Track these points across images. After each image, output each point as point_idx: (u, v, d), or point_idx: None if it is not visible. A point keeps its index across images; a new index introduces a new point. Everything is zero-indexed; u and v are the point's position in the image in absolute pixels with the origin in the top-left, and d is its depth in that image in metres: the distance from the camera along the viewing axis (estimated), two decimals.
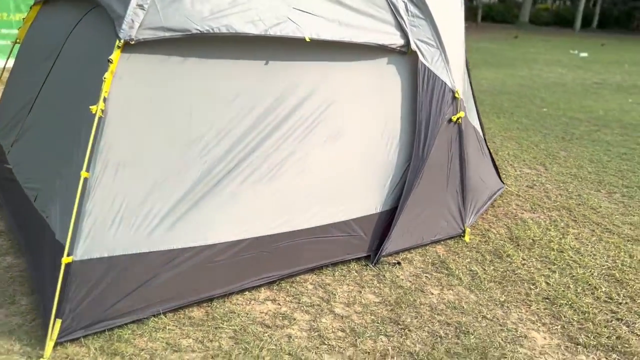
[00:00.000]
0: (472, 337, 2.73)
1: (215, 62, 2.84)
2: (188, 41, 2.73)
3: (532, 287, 3.24)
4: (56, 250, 2.68)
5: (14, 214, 3.45)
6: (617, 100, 10.11)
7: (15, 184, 3.54)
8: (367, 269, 3.31)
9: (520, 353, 2.63)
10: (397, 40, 3.32)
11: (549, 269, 3.48)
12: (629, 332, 2.86)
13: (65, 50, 3.56)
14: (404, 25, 3.34)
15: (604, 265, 3.57)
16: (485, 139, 4.41)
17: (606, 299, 3.17)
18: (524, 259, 3.57)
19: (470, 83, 4.13)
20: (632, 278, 3.43)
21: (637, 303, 3.14)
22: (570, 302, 3.09)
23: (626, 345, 2.74)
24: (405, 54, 3.38)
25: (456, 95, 3.54)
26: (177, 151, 2.74)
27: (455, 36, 3.60)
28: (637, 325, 2.92)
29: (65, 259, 2.46)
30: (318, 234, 3.19)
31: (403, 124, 3.44)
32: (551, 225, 4.15)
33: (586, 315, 2.98)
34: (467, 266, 3.43)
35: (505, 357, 2.59)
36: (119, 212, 2.60)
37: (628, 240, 3.99)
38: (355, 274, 3.26)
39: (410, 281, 3.22)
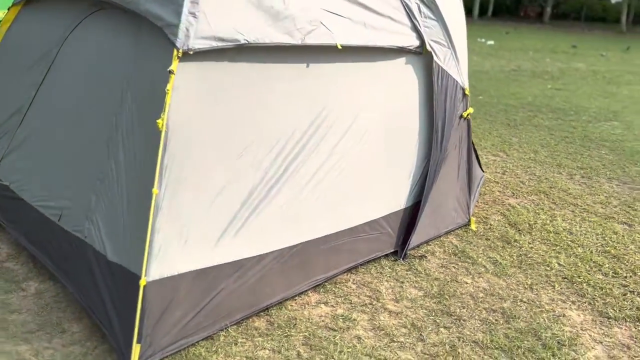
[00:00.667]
0: (520, 320, 2.93)
1: (259, 70, 2.80)
2: (234, 50, 2.68)
3: (547, 268, 3.51)
4: (113, 272, 2.55)
5: (27, 236, 3.20)
6: (537, 86, 10.90)
7: (19, 202, 3.28)
8: (397, 265, 3.42)
9: (566, 331, 2.87)
10: (413, 42, 3.43)
11: (554, 250, 3.77)
12: None
13: (66, 55, 3.33)
14: (419, 27, 3.46)
15: (597, 243, 3.92)
16: None
17: (613, 274, 3.50)
18: (529, 243, 3.84)
19: None
20: (625, 253, 3.80)
21: (639, 275, 3.50)
22: (586, 280, 3.39)
23: None
24: (420, 54, 3.50)
25: (466, 92, 3.72)
26: (233, 160, 2.68)
27: (460, 35, 3.76)
28: None
29: (142, 281, 2.35)
30: (354, 233, 3.25)
31: (420, 122, 3.57)
32: (538, 209, 4.48)
33: (604, 290, 3.29)
34: (485, 253, 3.64)
35: (556, 336, 2.81)
36: (184, 227, 2.52)
37: (605, 219, 4.39)
38: (389, 270, 3.36)
39: (442, 272, 3.37)
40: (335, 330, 2.74)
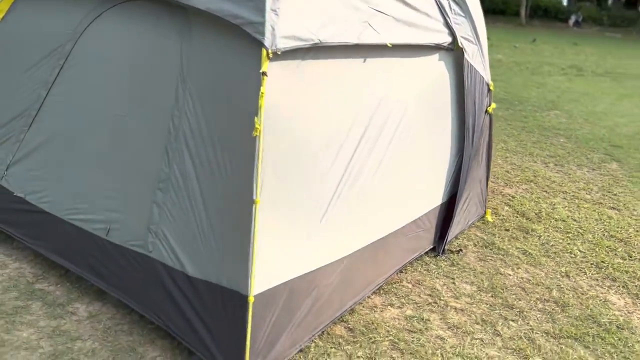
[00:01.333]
0: (573, 308, 3.07)
1: (325, 67, 2.69)
2: (304, 50, 2.56)
3: (572, 255, 3.70)
4: (198, 288, 2.37)
5: (59, 252, 2.89)
6: None
7: (41, 216, 2.96)
8: (439, 261, 3.45)
9: (617, 315, 3.04)
10: (447, 38, 3.45)
11: (569, 237, 3.97)
12: None
13: (86, 51, 3.02)
14: (450, 23, 3.48)
15: (601, 229, 4.18)
16: None
17: (629, 257, 3.75)
18: (544, 231, 4.02)
19: None
20: (628, 236, 4.08)
21: None
22: (610, 265, 3.60)
23: None
24: (452, 51, 3.53)
25: (491, 87, 3.80)
26: (318, 160, 2.58)
27: (483, 31, 3.83)
28: None
29: (250, 298, 2.20)
30: (405, 232, 3.23)
31: (452, 117, 3.61)
32: (535, 198, 4.69)
33: (629, 273, 3.51)
34: (512, 244, 3.76)
35: (612, 321, 2.97)
36: (282, 233, 2.38)
37: (595, 204, 4.69)
38: (435, 266, 3.38)
39: (482, 266, 3.44)
40: (414, 332, 2.72)
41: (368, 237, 2.90)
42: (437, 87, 3.48)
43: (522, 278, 3.34)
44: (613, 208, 4.65)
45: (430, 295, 3.06)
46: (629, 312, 3.08)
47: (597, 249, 3.81)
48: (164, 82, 2.67)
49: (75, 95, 3.03)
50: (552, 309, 3.03)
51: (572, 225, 4.19)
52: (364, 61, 2.93)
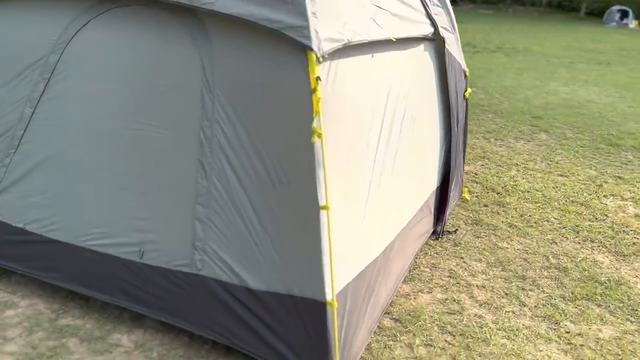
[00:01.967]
0: (573, 271, 3.36)
1: (352, 65, 2.72)
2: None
3: (550, 223, 4.03)
4: (264, 300, 2.33)
5: (83, 283, 2.67)
6: None
7: (50, 246, 2.72)
8: (442, 242, 3.62)
9: (610, 273, 3.38)
10: (430, 29, 3.58)
11: (538, 206, 4.31)
12: None
13: (77, 62, 2.76)
14: (432, 15, 3.61)
15: (560, 195, 4.58)
16: None
17: (595, 219, 4.15)
18: (517, 203, 4.33)
19: None
20: (585, 200, 4.51)
21: (619, 217, 4.21)
22: (583, 228, 3.98)
23: None
24: (433, 41, 3.67)
25: (467, 73, 4.00)
26: (360, 157, 2.61)
27: (454, 19, 4.01)
28: None
29: (333, 303, 2.19)
30: (416, 219, 3.35)
31: (438, 104, 3.76)
32: (495, 173, 5.02)
33: (603, 234, 3.90)
34: (496, 219, 4.02)
35: (609, 279, 3.30)
36: (346, 234, 2.38)
37: (546, 174, 5.11)
38: (441, 248, 3.54)
39: (481, 242, 3.66)
40: (454, 313, 2.85)
41: (396, 228, 2.99)
42: (426, 75, 3.61)
43: (518, 249, 3.59)
44: (561, 175, 5.10)
45: (450, 276, 3.21)
46: (617, 269, 3.43)
47: (566, 215, 4.18)
48: (184, 92, 2.55)
49: (70, 112, 2.78)
50: (557, 275, 3.30)
51: (536, 195, 4.54)
52: (372, 57, 2.97)
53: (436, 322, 2.75)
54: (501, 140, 6.13)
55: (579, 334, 2.75)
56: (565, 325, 2.81)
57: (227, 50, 2.47)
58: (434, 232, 3.69)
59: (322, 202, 2.22)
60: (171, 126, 2.57)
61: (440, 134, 3.79)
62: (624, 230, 3.97)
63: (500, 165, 5.25)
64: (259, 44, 2.40)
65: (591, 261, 3.50)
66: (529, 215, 4.12)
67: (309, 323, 2.25)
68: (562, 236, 3.83)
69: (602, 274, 3.34)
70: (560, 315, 2.89)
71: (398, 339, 2.61)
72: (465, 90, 4.02)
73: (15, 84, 2.88)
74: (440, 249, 3.52)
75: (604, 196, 4.63)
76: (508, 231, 3.83)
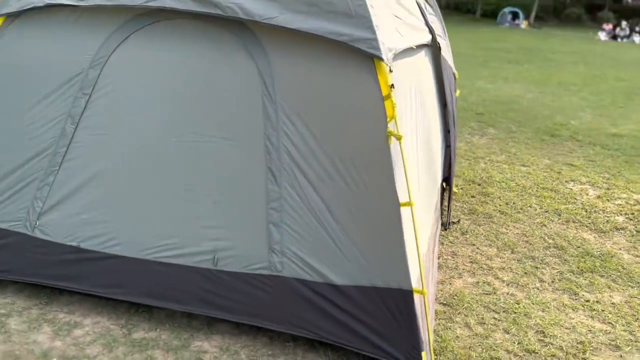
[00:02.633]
0: (570, 248, 3.79)
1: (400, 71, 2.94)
2: None
3: (533, 209, 4.47)
4: (351, 295, 2.50)
5: (154, 295, 2.68)
6: None
7: (117, 261, 2.71)
8: (451, 233, 3.93)
9: (599, 247, 3.84)
10: (429, 36, 3.89)
11: (517, 194, 4.76)
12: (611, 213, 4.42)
13: (121, 77, 2.77)
14: (429, 23, 3.92)
15: (531, 183, 5.07)
16: None
17: (568, 202, 4.65)
18: (499, 193, 4.76)
19: None
20: (553, 186, 5.02)
21: (586, 199, 4.74)
22: (563, 210, 4.45)
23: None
24: (430, 47, 3.98)
25: (456, 76, 4.34)
26: (416, 156, 2.85)
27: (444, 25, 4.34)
28: (616, 202, 4.51)
29: (422, 290, 2.40)
30: (435, 211, 3.63)
31: (438, 105, 4.08)
32: (468, 166, 5.44)
33: (580, 214, 4.39)
34: (487, 207, 4.40)
35: (602, 253, 3.76)
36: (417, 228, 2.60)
37: (509, 164, 5.61)
38: (453, 238, 3.85)
39: (484, 229, 4.01)
40: (490, 294, 3.16)
41: (431, 218, 3.24)
42: (429, 79, 3.90)
43: (517, 234, 3.98)
44: (523, 165, 5.62)
45: (472, 262, 3.52)
46: (602, 244, 3.91)
47: (543, 200, 4.65)
48: (244, 103, 2.65)
49: (118, 127, 2.77)
50: (558, 253, 3.71)
51: (511, 184, 4.99)
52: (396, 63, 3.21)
53: (479, 303, 3.04)
54: (459, 135, 6.59)
55: (596, 301, 3.14)
56: (583, 295, 3.21)
57: (285, 62, 2.60)
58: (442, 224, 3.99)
59: (403, 199, 2.42)
60: (235, 136, 2.66)
61: (441, 132, 4.11)
62: (595, 211, 4.49)
63: (468, 159, 5.68)
64: (320, 55, 2.56)
65: (580, 239, 3.95)
66: (513, 203, 4.54)
67: (397, 311, 2.44)
68: (548, 219, 4.27)
69: (593, 249, 3.80)
70: (576, 287, 3.28)
71: (454, 320, 2.86)
72: (455, 91, 4.36)
73: (53, 100, 2.83)
74: (452, 237, 3.83)
75: (566, 182, 5.17)
76: (502, 218, 4.22)
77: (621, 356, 2.68)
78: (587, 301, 3.14)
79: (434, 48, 3.99)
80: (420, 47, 3.71)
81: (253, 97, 2.64)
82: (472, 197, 4.61)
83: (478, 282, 3.26)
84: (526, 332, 2.80)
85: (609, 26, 26.93)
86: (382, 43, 2.48)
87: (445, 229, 3.94)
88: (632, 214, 4.47)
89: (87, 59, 2.80)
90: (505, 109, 8.35)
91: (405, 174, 2.43)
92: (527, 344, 2.70)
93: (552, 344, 2.73)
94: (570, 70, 13.68)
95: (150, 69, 2.76)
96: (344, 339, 2.50)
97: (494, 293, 3.15)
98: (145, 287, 2.70)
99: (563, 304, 3.10)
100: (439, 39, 3.99)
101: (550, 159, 5.87)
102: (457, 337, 2.73)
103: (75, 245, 2.75)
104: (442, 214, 4.03)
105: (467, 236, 3.86)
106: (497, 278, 3.33)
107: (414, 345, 2.40)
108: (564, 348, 2.70)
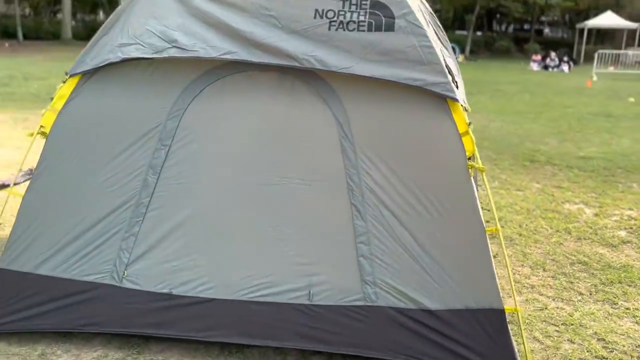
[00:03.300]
0: (594, 263, 4.13)
1: None
2: None
3: (546, 229, 4.82)
4: (445, 319, 2.68)
5: (251, 334, 2.76)
6: None
7: (211, 304, 2.80)
8: None
9: (629, 261, 4.20)
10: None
11: (525, 217, 5.11)
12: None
13: (199, 127, 2.88)
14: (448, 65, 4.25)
15: (534, 206, 5.44)
16: None
17: (576, 222, 5.04)
18: (509, 216, 5.09)
19: None
20: (555, 207, 5.42)
21: (585, 218, 5.14)
22: (574, 230, 4.82)
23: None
24: None
25: (468, 109, 4.67)
26: None
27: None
28: (613, 218, 4.91)
29: (516, 309, 2.62)
30: None
31: None
32: None
33: (593, 233, 4.77)
34: (505, 231, 4.71)
35: (622, 264, 4.12)
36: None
37: (505, 189, 6.00)
38: None
39: (511, 251, 4.30)
40: (542, 309, 3.41)
41: None
42: None
43: (541, 253, 4.29)
44: (518, 190, 6.02)
45: (513, 281, 3.78)
46: (618, 257, 4.28)
47: (551, 220, 5.02)
48: (323, 145, 2.84)
49: (200, 175, 2.89)
50: (584, 268, 4.04)
51: (516, 208, 5.35)
52: None
53: (537, 318, 3.28)
54: None
55: (636, 309, 3.46)
56: (622, 303, 3.52)
57: (358, 105, 2.83)
58: None
59: (495, 226, 2.66)
60: (317, 177, 2.84)
61: None
62: (598, 227, 4.89)
63: None
64: (393, 98, 2.81)
65: (598, 254, 4.31)
66: (526, 225, 4.88)
67: (492, 330, 2.65)
68: (562, 238, 4.62)
69: (612, 262, 4.15)
70: (613, 297, 3.60)
71: (522, 335, 3.09)
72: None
73: (133, 152, 2.92)
74: None
75: (562, 203, 5.59)
76: (522, 240, 4.53)
77: None
78: (628, 309, 3.45)
79: None
80: None
81: (331, 139, 2.83)
82: (487, 222, 4.90)
83: (527, 300, 3.51)
84: (589, 341, 3.06)
85: (538, 57, 28.78)
86: (455, 85, 2.75)
87: None
88: (631, 228, 4.89)
89: (164, 111, 2.91)
90: (477, 137, 8.79)
91: (491, 202, 2.67)
92: (595, 352, 2.96)
93: (615, 349, 3.00)
94: (519, 99, 14.58)
95: (228, 118, 2.91)
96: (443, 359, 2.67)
97: (546, 308, 3.41)
98: (239, 327, 2.79)
99: (608, 313, 3.39)
100: (457, 79, 4.31)
101: (539, 183, 6.30)
102: (532, 350, 2.95)
103: (167, 292, 2.81)
104: None
105: (499, 258, 4.13)
106: (542, 294, 3.59)
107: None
108: (628, 352, 2.97)
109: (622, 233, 4.78)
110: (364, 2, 2.77)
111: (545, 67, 27.37)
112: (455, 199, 2.73)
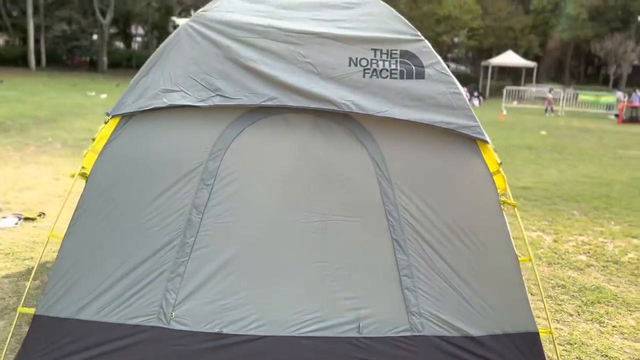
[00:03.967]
0: (572, 285, 4.54)
1: None
2: None
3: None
4: (488, 345, 2.90)
5: None
6: None
7: (262, 342, 2.85)
8: None
9: (615, 253, 4.65)
10: None
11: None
12: None
13: (240, 167, 2.95)
14: None
15: None
16: None
17: (539, 245, 5.48)
18: None
19: None
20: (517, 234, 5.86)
21: (539, 236, 5.60)
22: (544, 255, 5.25)
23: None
24: None
25: None
26: None
27: None
28: (570, 244, 5.38)
29: (550, 331, 2.88)
30: None
31: None
32: None
33: (555, 255, 5.22)
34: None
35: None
36: None
37: None
38: None
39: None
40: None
41: None
42: None
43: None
44: None
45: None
46: (588, 279, 4.73)
47: (518, 248, 5.42)
48: (361, 183, 3.02)
49: (244, 214, 2.95)
50: (564, 291, 4.43)
51: None
52: None
53: (544, 339, 3.58)
54: None
55: (621, 326, 3.86)
56: (607, 322, 3.91)
57: (393, 145, 3.04)
58: None
59: (527, 256, 2.93)
60: (358, 213, 2.99)
61: None
62: (562, 253, 5.36)
63: None
64: (426, 139, 3.05)
65: (570, 277, 4.73)
66: None
67: (528, 352, 2.89)
68: (535, 263, 5.01)
69: (585, 284, 4.58)
70: (598, 316, 3.98)
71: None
72: None
73: (175, 192, 2.93)
74: None
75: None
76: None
77: None
78: (615, 327, 3.84)
79: None
80: None
81: (368, 177, 3.01)
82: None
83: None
84: (595, 358, 3.39)
85: None
86: (483, 129, 3.03)
87: None
88: (589, 252, 5.41)
89: (205, 152, 2.95)
90: None
91: (524, 235, 2.94)
92: None
93: None
94: None
95: (267, 158, 3.00)
96: None
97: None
98: None
99: (600, 331, 3.76)
100: None
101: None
102: None
103: (217, 331, 2.82)
104: None
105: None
106: (538, 317, 3.89)
107: None
108: None
109: (584, 257, 5.27)
110: (394, 52, 3.00)
111: None
112: (489, 232, 2.98)
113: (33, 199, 6.26)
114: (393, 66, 2.98)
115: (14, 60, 33.50)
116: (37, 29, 33.37)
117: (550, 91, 26.07)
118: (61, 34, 35.67)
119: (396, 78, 2.98)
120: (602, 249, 5.54)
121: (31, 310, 2.79)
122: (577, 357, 3.38)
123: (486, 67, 35.95)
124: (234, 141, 2.98)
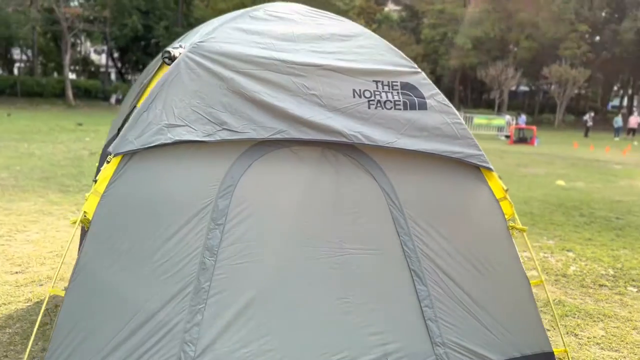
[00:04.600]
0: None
1: None
2: None
3: None
4: None
5: None
6: None
7: None
8: None
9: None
10: None
11: None
12: None
13: (250, 204, 2.82)
14: None
15: None
16: None
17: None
18: None
19: None
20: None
21: None
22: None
23: None
24: None
25: None
26: None
27: None
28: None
29: (561, 350, 2.98)
30: None
31: None
32: None
33: None
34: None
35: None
36: None
37: None
38: None
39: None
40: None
41: None
42: None
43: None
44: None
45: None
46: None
47: None
48: (374, 216, 3.00)
49: (259, 253, 2.80)
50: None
51: None
52: None
53: None
54: None
55: (594, 337, 4.10)
56: (581, 334, 4.13)
57: (402, 175, 3.07)
58: None
59: (537, 280, 3.04)
60: (373, 245, 2.97)
61: None
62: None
63: None
64: (432, 168, 3.10)
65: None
66: None
67: None
68: None
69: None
70: (572, 329, 4.21)
71: None
72: None
73: (184, 234, 2.74)
74: None
75: None
76: None
77: None
78: (589, 338, 4.07)
79: None
80: None
81: (380, 208, 2.99)
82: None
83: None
84: None
85: None
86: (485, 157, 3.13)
87: None
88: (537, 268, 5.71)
89: (214, 189, 2.78)
90: None
91: (533, 257, 3.05)
92: None
93: None
94: None
95: (277, 193, 2.89)
96: None
97: None
98: None
99: (579, 343, 3.96)
100: None
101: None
102: None
103: None
104: None
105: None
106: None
107: None
108: None
109: (534, 272, 5.55)
110: (394, 84, 3.04)
111: None
112: (500, 257, 3.06)
113: None
114: (396, 97, 3.01)
115: None
116: None
117: None
118: None
119: (400, 109, 3.00)
120: (548, 264, 5.89)
121: None
122: None
123: None
124: (243, 177, 2.83)
